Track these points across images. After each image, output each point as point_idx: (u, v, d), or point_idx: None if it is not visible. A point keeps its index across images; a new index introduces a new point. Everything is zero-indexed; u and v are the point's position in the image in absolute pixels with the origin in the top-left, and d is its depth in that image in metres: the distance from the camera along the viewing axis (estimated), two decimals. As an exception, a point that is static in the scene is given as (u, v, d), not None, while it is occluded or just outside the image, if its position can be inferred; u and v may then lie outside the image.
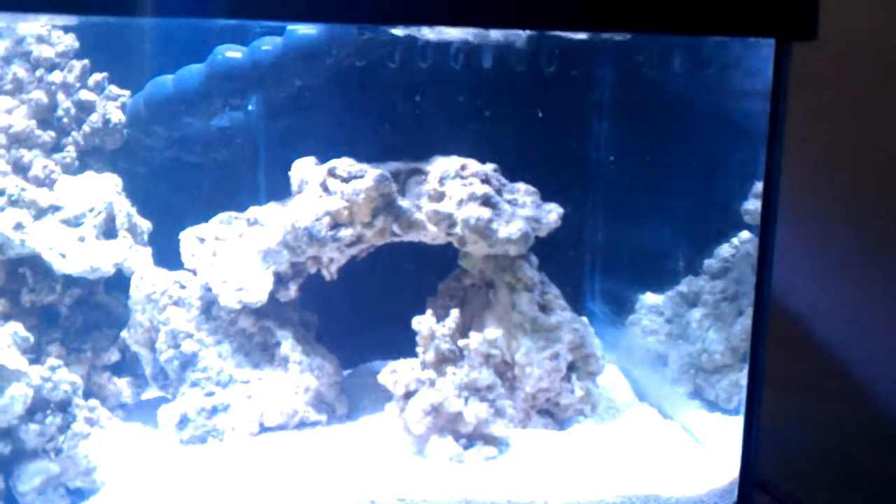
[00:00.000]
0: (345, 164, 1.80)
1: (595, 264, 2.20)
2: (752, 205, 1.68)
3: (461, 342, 1.67)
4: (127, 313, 1.82)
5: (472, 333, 1.69)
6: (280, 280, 1.82)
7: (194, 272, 1.83)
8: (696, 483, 1.55)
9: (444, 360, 1.66)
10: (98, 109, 1.92)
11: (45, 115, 1.88)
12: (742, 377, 1.65)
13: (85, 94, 1.91)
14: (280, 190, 1.90)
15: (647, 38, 1.87)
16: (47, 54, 1.87)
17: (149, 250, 1.88)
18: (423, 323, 1.67)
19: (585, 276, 2.20)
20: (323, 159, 1.83)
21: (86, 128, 1.92)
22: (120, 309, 1.85)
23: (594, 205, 2.16)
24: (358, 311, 2.01)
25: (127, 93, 1.95)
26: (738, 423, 1.55)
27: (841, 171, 1.90)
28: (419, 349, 1.67)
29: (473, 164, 1.82)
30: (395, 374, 1.66)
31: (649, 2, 1.36)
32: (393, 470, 1.57)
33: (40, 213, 1.78)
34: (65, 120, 1.90)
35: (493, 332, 1.70)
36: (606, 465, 1.60)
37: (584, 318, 1.85)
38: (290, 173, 1.87)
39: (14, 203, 1.74)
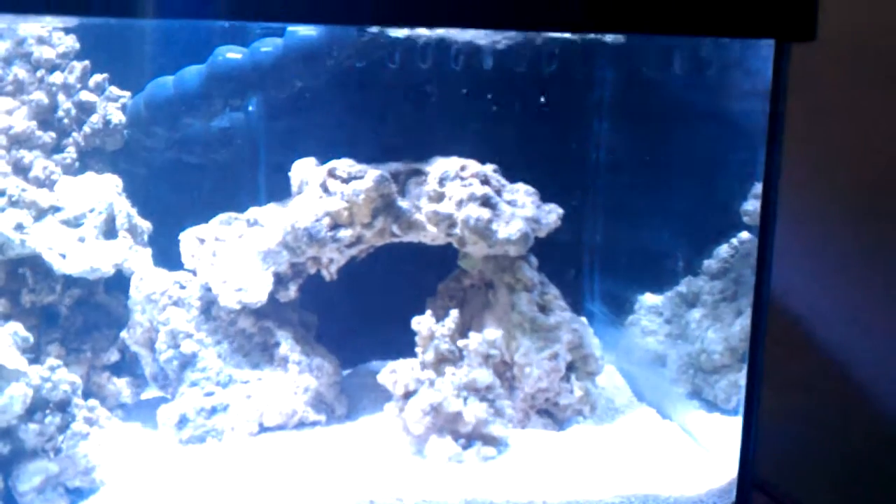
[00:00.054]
0: (345, 165, 1.80)
1: (594, 265, 2.20)
2: (752, 205, 1.68)
3: (460, 342, 1.68)
4: (127, 313, 1.82)
5: (471, 334, 1.69)
6: (280, 280, 1.82)
7: (194, 273, 1.83)
8: (695, 483, 1.55)
9: (443, 361, 1.66)
10: (98, 110, 1.93)
11: (46, 116, 1.89)
12: (741, 377, 1.65)
13: (85, 95, 1.92)
14: (280, 191, 1.90)
15: (646, 39, 1.87)
16: (48, 55, 1.87)
17: (149, 251, 1.88)
18: (422, 323, 1.68)
19: (585, 276, 2.21)
20: (323, 160, 1.84)
21: (86, 129, 1.92)
22: (120, 309, 1.85)
23: (594, 205, 2.16)
24: (357, 312, 2.01)
25: (127, 94, 1.96)
26: (736, 423, 1.55)
27: (840, 172, 1.90)
28: (418, 349, 1.68)
29: (473, 165, 1.82)
30: (394, 374, 1.66)
31: (649, 3, 1.36)
32: (392, 470, 1.58)
33: (41, 213, 1.78)
34: (65, 121, 1.90)
35: (492, 332, 1.70)
36: (605, 465, 1.60)
37: (584, 319, 1.86)
38: (289, 174, 1.87)
39: (14, 204, 1.74)
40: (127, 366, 1.87)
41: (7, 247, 1.68)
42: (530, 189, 1.86)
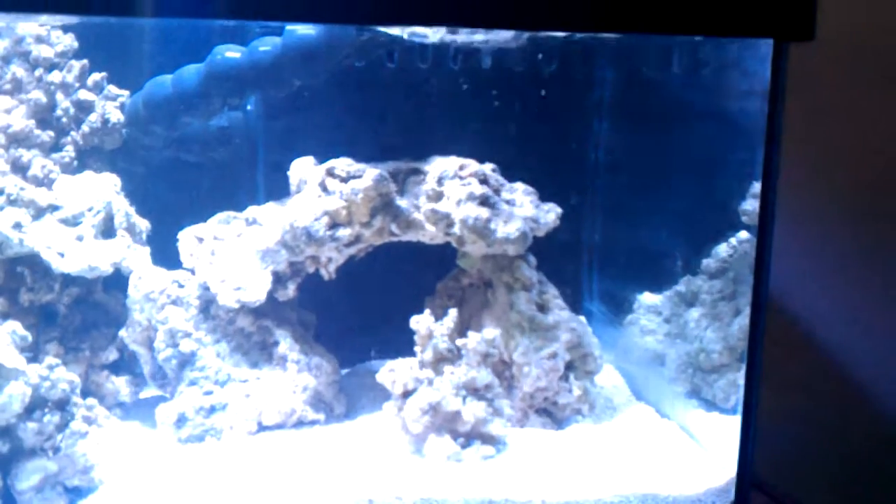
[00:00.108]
0: (343, 164, 1.80)
1: (593, 264, 2.20)
2: (750, 205, 1.68)
3: (459, 341, 1.68)
4: (125, 312, 1.82)
5: (470, 333, 1.69)
6: (278, 279, 1.82)
7: (193, 271, 1.83)
8: (694, 482, 1.55)
9: (442, 360, 1.66)
10: (97, 109, 1.92)
11: (44, 115, 1.88)
12: (740, 377, 1.65)
13: (84, 94, 1.92)
14: (278, 190, 1.90)
15: (645, 39, 1.87)
16: (46, 54, 1.87)
17: (147, 250, 1.88)
18: (421, 322, 1.68)
19: (583, 275, 2.21)
20: (321, 159, 1.83)
21: (85, 127, 1.92)
22: (118, 308, 1.85)
23: (592, 205, 2.16)
24: (356, 311, 2.01)
25: (126, 93, 1.96)
26: (735, 422, 1.55)
27: (839, 172, 1.90)
28: (417, 348, 1.68)
29: (472, 164, 1.82)
30: (393, 373, 1.66)
31: (647, 2, 1.36)
32: (391, 469, 1.58)
33: (39, 212, 1.78)
34: (64, 120, 1.90)
35: (491, 331, 1.70)
36: (604, 464, 1.60)
37: (582, 318, 1.86)
38: (288, 173, 1.87)
39: (13, 202, 1.74)
40: (125, 364, 1.87)
41: (5, 245, 1.68)
42: (529, 188, 1.86)
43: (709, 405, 1.80)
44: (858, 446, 1.90)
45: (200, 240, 1.85)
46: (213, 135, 2.02)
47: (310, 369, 1.80)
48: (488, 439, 1.63)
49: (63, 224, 1.79)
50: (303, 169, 1.85)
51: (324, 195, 1.79)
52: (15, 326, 1.55)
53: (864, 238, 1.91)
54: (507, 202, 1.82)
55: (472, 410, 1.63)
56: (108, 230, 1.83)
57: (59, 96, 1.90)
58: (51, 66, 1.88)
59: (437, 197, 1.80)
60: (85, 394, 1.63)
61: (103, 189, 1.85)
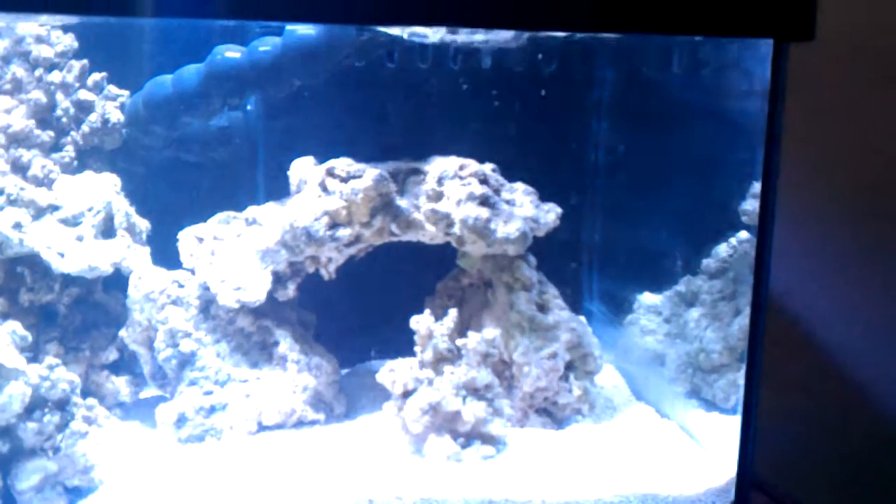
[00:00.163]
0: (343, 164, 1.80)
1: (593, 264, 2.20)
2: (750, 205, 1.68)
3: (459, 341, 1.68)
4: (125, 312, 1.82)
5: (470, 333, 1.69)
6: (278, 279, 1.82)
7: (193, 271, 1.83)
8: (694, 482, 1.55)
9: (442, 360, 1.66)
10: (97, 109, 1.92)
11: (44, 115, 1.88)
12: (739, 377, 1.65)
13: (84, 94, 1.92)
14: (278, 190, 1.90)
15: (645, 39, 1.87)
16: (46, 54, 1.87)
17: (147, 250, 1.88)
18: (421, 322, 1.68)
19: (583, 275, 2.21)
20: (321, 159, 1.83)
21: (85, 127, 1.92)
22: (118, 308, 1.85)
23: (592, 205, 2.16)
24: (356, 311, 2.01)
25: (126, 93, 1.96)
26: (735, 422, 1.55)
27: (839, 172, 1.90)
28: (417, 348, 1.68)
29: (472, 164, 1.82)
30: (393, 373, 1.66)
31: (647, 2, 1.36)
32: (391, 469, 1.58)
33: (39, 212, 1.78)
34: (64, 120, 1.90)
35: (491, 331, 1.70)
36: (604, 464, 1.60)
37: (582, 318, 1.86)
38: (288, 173, 1.87)
39: (13, 202, 1.74)
40: (126, 364, 1.87)
41: (5, 245, 1.68)
42: (529, 188, 1.86)
43: (709, 405, 1.80)
44: (858, 446, 1.90)
45: (200, 240, 1.85)
46: (213, 135, 2.02)
47: (310, 369, 1.80)
48: (488, 439, 1.63)
49: (63, 224, 1.79)
50: (303, 169, 1.85)
51: (324, 195, 1.79)
52: (15, 326, 1.55)
53: (864, 238, 1.91)
54: (507, 202, 1.82)
55: (472, 410, 1.63)
56: (108, 230, 1.83)
57: (59, 96, 1.90)
58: (51, 66, 1.88)
59: (437, 197, 1.80)
60: (85, 394, 1.63)
61: (103, 189, 1.85)
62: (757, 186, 1.52)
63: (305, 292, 1.87)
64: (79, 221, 1.80)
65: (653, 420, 1.85)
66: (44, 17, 1.81)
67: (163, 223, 1.91)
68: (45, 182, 1.83)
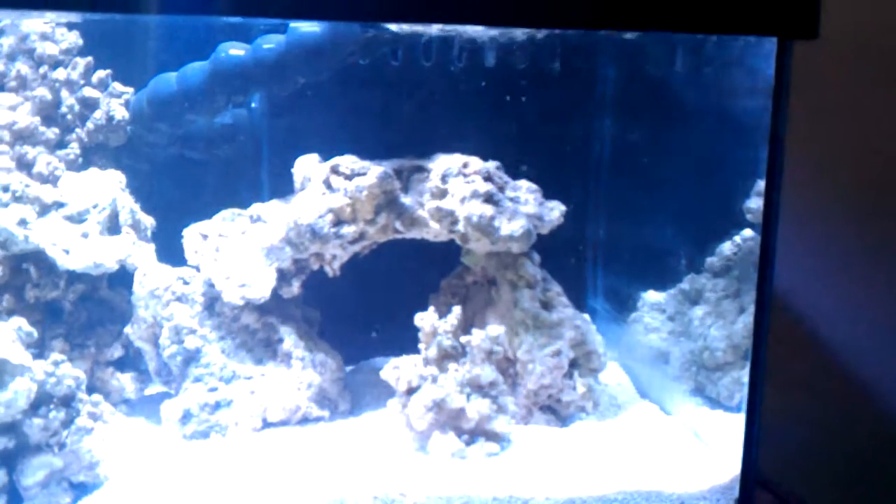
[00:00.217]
0: (348, 162, 1.80)
1: (597, 262, 2.20)
2: (755, 203, 1.69)
3: (463, 339, 1.68)
4: (130, 309, 1.82)
5: (474, 330, 1.69)
6: (283, 276, 1.83)
7: (197, 268, 1.83)
8: (698, 480, 1.55)
9: (446, 357, 1.67)
10: (102, 106, 1.93)
11: (49, 112, 1.89)
12: (744, 374, 1.65)
13: (89, 92, 1.92)
14: (283, 187, 1.91)
15: (649, 36, 1.87)
16: (51, 51, 1.87)
17: (152, 246, 1.88)
18: (425, 319, 1.68)
19: (587, 273, 2.21)
20: (326, 156, 1.84)
21: (89, 125, 1.92)
22: (123, 305, 1.85)
23: (596, 202, 2.16)
24: (360, 308, 2.01)
25: (130, 90, 1.96)
26: (739, 420, 1.55)
27: (843, 170, 1.90)
28: (421, 345, 1.68)
29: (476, 162, 1.83)
30: (397, 370, 1.67)
31: (652, 0, 1.36)
32: (395, 465, 1.58)
33: (44, 209, 1.78)
34: (69, 117, 1.90)
35: (495, 328, 1.70)
36: (608, 461, 1.60)
37: (586, 316, 1.86)
38: (293, 170, 1.87)
39: (18, 199, 1.74)
40: (131, 361, 1.87)
41: (11, 242, 1.68)
42: (533, 186, 1.86)
43: (713, 403, 1.81)
44: (862, 444, 1.90)
45: (205, 237, 1.86)
46: (217, 132, 2.02)
47: (314, 366, 1.80)
48: (492, 436, 1.64)
49: (68, 221, 1.79)
50: (307, 166, 1.85)
51: (328, 192, 1.79)
52: (20, 323, 1.55)
53: (868, 236, 1.91)
54: (512, 200, 1.82)
55: (477, 407, 1.63)
56: (113, 227, 1.84)
57: (64, 93, 1.90)
58: (56, 64, 1.88)
59: (442, 194, 1.80)
60: (90, 390, 1.63)
61: (108, 186, 1.86)
62: (761, 184, 1.52)
63: (310, 289, 1.87)
64: (84, 218, 1.80)
65: (657, 418, 1.85)
66: (49, 15, 1.81)
67: (167, 220, 1.91)
68: (50, 179, 1.83)
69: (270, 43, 1.89)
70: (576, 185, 2.13)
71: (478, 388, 1.65)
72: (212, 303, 1.82)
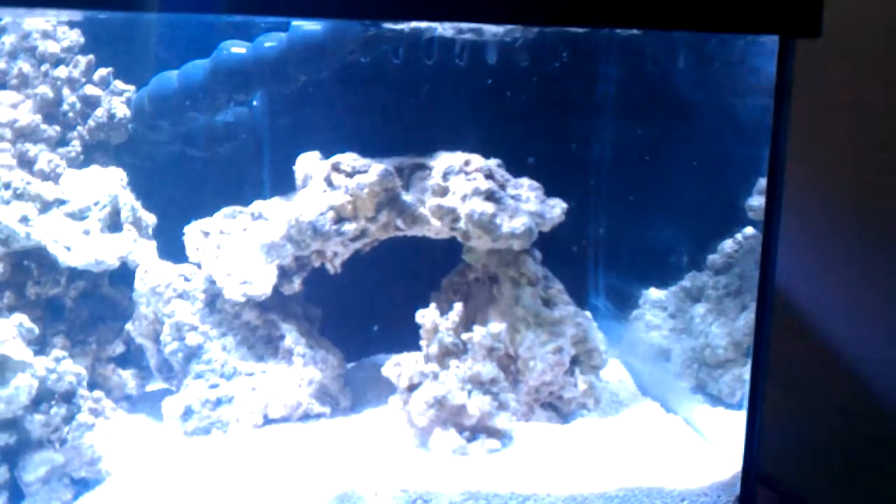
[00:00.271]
0: (349, 159, 1.80)
1: (598, 259, 2.20)
2: (756, 200, 1.69)
3: (465, 336, 1.68)
4: (131, 306, 1.82)
5: (475, 327, 1.69)
6: (284, 274, 1.83)
7: (199, 265, 1.83)
8: (699, 477, 1.55)
9: (447, 354, 1.67)
10: (103, 104, 1.93)
11: (51, 110, 1.89)
12: (745, 372, 1.65)
13: (90, 89, 1.92)
14: (284, 184, 1.91)
15: (651, 35, 1.87)
16: (53, 49, 1.87)
17: (153, 244, 1.88)
18: (426, 316, 1.68)
19: (589, 271, 2.21)
20: (327, 154, 1.84)
21: (91, 122, 1.92)
22: (124, 302, 1.86)
23: (598, 200, 2.16)
24: (362, 305, 2.01)
25: (132, 88, 1.96)
26: (741, 417, 1.55)
27: (844, 168, 1.90)
28: (423, 342, 1.68)
29: (477, 160, 1.83)
30: (398, 367, 1.66)
31: (654, -2, 1.36)
32: (396, 462, 1.58)
33: (45, 206, 1.78)
34: (70, 115, 1.91)
35: (496, 325, 1.71)
36: (609, 458, 1.60)
37: (588, 313, 1.86)
38: (294, 168, 1.87)
39: (19, 196, 1.74)
40: (132, 358, 1.87)
41: (12, 239, 1.68)
42: (534, 183, 1.87)
43: (714, 400, 1.81)
44: (863, 441, 1.90)
45: (206, 234, 1.86)
46: (218, 130, 2.02)
47: (315, 363, 1.80)
48: (494, 433, 1.64)
49: (69, 218, 1.79)
50: (308, 164, 1.85)
51: (329, 190, 1.79)
52: (22, 319, 1.55)
53: (869, 234, 1.91)
54: (513, 197, 1.82)
55: (478, 404, 1.63)
56: (114, 224, 1.83)
57: (66, 91, 1.90)
58: (57, 62, 1.88)
59: (443, 192, 1.80)
60: (91, 387, 1.63)
61: (109, 183, 1.86)
62: (762, 182, 1.52)
63: (311, 286, 1.87)
64: (85, 215, 1.80)
65: (658, 415, 1.85)
66: (50, 13, 1.82)
67: (169, 217, 1.91)
68: (51, 176, 1.83)
69: (272, 41, 1.89)
70: (577, 182, 2.13)
71: (479, 384, 1.65)
72: (213, 300, 1.82)
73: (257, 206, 1.90)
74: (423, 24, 1.84)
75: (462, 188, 1.78)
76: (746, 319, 1.76)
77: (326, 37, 1.88)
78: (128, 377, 1.84)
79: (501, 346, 1.71)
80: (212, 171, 2.02)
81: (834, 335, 1.93)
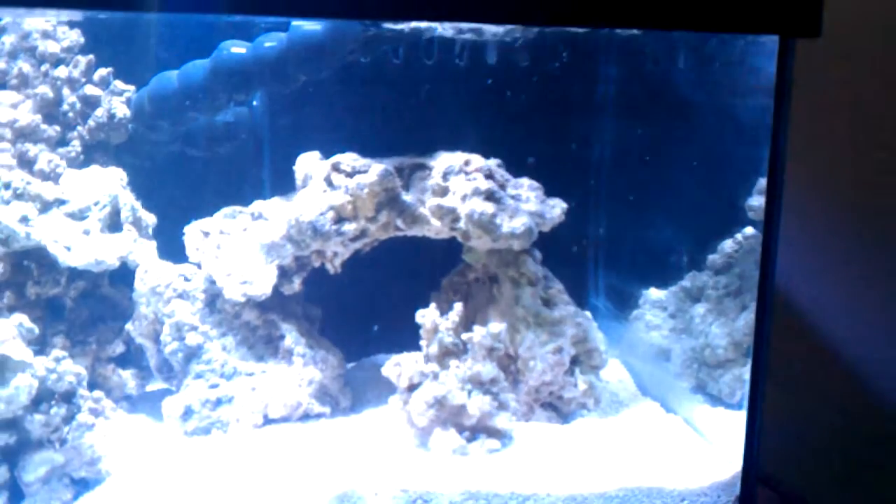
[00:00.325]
0: (349, 159, 1.80)
1: (598, 259, 2.20)
2: (756, 200, 1.69)
3: (465, 336, 1.68)
4: (131, 306, 1.82)
5: (475, 327, 1.69)
6: (284, 274, 1.83)
7: (199, 265, 1.84)
8: (699, 476, 1.55)
9: (447, 354, 1.67)
10: (103, 104, 1.93)
11: (51, 110, 1.89)
12: (745, 372, 1.65)
13: (90, 89, 1.92)
14: (284, 184, 1.91)
15: (651, 35, 1.87)
16: (53, 49, 1.87)
17: (153, 244, 1.88)
18: (426, 316, 1.68)
19: (589, 271, 2.21)
20: (327, 154, 1.84)
21: (91, 122, 1.92)
22: (124, 302, 1.86)
23: (598, 200, 2.16)
24: (362, 305, 2.01)
25: (132, 88, 1.96)
26: (740, 417, 1.55)
27: (844, 168, 1.90)
28: (423, 342, 1.68)
29: (477, 160, 1.83)
30: (398, 367, 1.66)
31: (654, -2, 1.36)
32: (396, 462, 1.58)
33: (45, 206, 1.78)
34: (70, 114, 1.91)
35: (496, 325, 1.71)
36: (609, 458, 1.60)
37: (588, 313, 1.86)
38: (294, 168, 1.87)
39: (19, 196, 1.74)
40: (132, 358, 1.87)
41: (12, 239, 1.68)
42: (534, 183, 1.87)
43: (714, 400, 1.81)
44: (863, 441, 1.90)
45: (206, 234, 1.86)
46: (218, 130, 2.02)
47: (315, 363, 1.80)
48: (494, 433, 1.64)
49: (69, 218, 1.79)
50: (308, 164, 1.85)
51: (329, 190, 1.79)
52: (22, 319, 1.55)
53: (869, 234, 1.91)
54: (513, 197, 1.82)
55: (478, 404, 1.63)
56: (114, 224, 1.83)
57: (66, 91, 1.90)
58: (57, 62, 1.88)
59: (443, 192, 1.80)
60: (91, 387, 1.63)
61: (109, 183, 1.86)
62: (762, 182, 1.52)
63: (311, 286, 1.87)
64: (85, 215, 1.80)
65: (658, 415, 1.85)
66: (51, 13, 1.82)
67: (169, 217, 1.91)
68: (51, 176, 1.83)
69: (272, 41, 1.89)
70: (577, 182, 2.13)
71: (479, 384, 1.65)
72: (213, 300, 1.82)
73: (257, 206, 1.90)
74: (423, 24, 1.84)
75: (462, 188, 1.78)
76: (746, 319, 1.76)
77: (326, 37, 1.88)
78: (128, 377, 1.84)
79: (501, 346, 1.71)
80: (212, 171, 2.02)
81: (834, 335, 1.93)
